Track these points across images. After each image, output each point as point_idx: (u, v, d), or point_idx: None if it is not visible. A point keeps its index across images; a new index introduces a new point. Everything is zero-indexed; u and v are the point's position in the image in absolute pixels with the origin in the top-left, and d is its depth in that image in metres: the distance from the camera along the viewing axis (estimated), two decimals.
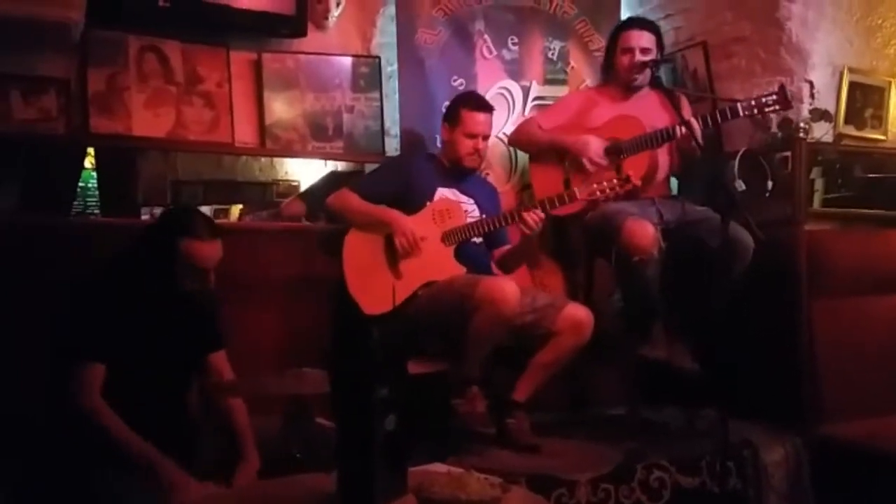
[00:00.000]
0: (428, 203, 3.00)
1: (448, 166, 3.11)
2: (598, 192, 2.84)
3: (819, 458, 3.04)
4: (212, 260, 2.21)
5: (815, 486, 3.02)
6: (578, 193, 2.86)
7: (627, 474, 2.65)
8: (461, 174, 3.11)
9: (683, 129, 2.98)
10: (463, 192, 3.10)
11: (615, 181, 2.82)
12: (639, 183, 2.87)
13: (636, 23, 3.31)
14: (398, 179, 3.05)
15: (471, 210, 3.08)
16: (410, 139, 3.52)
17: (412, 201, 2.99)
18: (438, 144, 3.50)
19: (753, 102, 3.02)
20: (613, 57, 3.26)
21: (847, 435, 3.03)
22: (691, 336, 3.05)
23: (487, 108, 3.09)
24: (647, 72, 3.18)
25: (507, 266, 3.10)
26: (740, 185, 3.30)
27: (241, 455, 2.23)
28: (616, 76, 3.28)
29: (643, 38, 3.20)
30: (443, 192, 3.05)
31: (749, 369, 3.11)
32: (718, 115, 3.06)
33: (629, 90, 3.26)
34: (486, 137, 3.09)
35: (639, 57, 3.18)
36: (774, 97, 3.00)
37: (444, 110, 3.32)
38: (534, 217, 2.81)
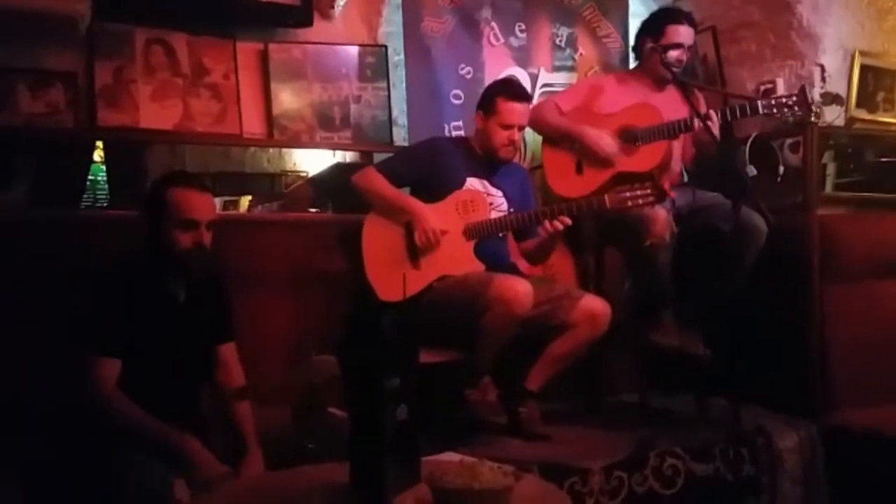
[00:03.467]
0: (454, 191, 2.92)
1: (481, 154, 3.02)
2: (628, 202, 2.76)
3: (833, 445, 3.02)
4: (200, 210, 2.19)
5: (828, 473, 3.01)
6: (608, 201, 2.77)
7: (640, 462, 2.64)
8: (493, 164, 3.02)
9: (701, 123, 2.96)
10: (493, 183, 3.01)
11: (649, 192, 2.73)
12: (673, 195, 2.79)
13: (686, 17, 3.22)
14: (427, 163, 2.96)
15: (498, 203, 2.99)
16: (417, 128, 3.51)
17: (439, 187, 2.91)
18: (447, 133, 3.49)
19: (773, 101, 2.98)
20: (652, 48, 3.17)
21: (861, 421, 3.01)
22: (703, 322, 3.03)
23: (525, 98, 2.99)
24: None
25: (533, 259, 3.05)
26: (751, 171, 3.27)
27: (244, 450, 2.24)
28: (650, 68, 3.23)
29: (691, 35, 3.17)
30: (471, 182, 2.96)
31: (761, 355, 3.10)
32: (738, 111, 3.03)
33: (661, 82, 3.23)
34: (521, 128, 2.99)
35: (684, 54, 3.15)
36: (795, 98, 2.96)
37: (452, 98, 3.31)
38: (558, 226, 2.76)
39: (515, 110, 2.93)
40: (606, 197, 2.79)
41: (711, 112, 3.03)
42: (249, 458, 2.22)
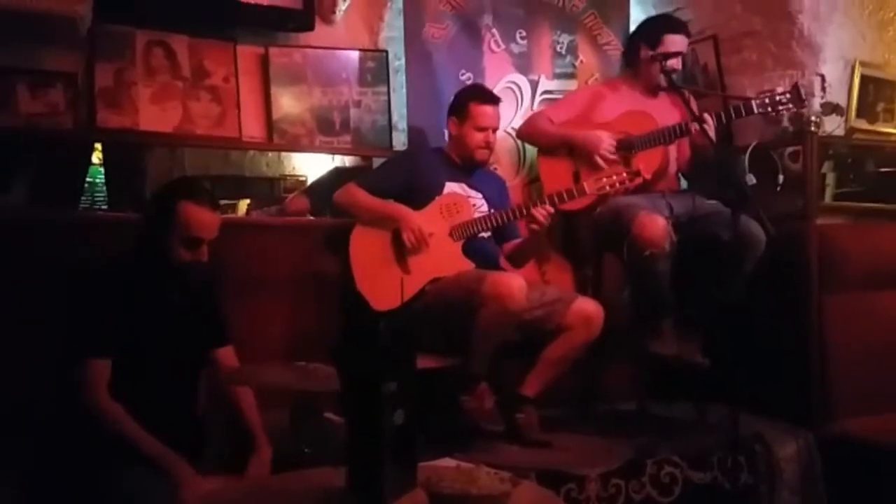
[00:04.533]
0: (436, 198, 2.98)
1: (457, 160, 3.09)
2: (607, 187, 2.83)
3: (831, 454, 3.01)
4: (208, 229, 2.19)
5: (827, 482, 3.00)
6: (588, 188, 2.84)
7: (638, 469, 2.63)
8: (470, 168, 3.09)
9: (697, 126, 2.97)
10: (471, 186, 3.08)
11: (625, 175, 2.81)
12: (648, 177, 2.85)
13: (682, 26, 3.24)
14: (406, 174, 3.03)
15: (479, 205, 3.05)
16: (418, 134, 3.50)
17: (420, 196, 2.97)
18: (447, 139, 3.49)
19: (767, 100, 3.01)
20: (647, 55, 3.19)
21: (859, 430, 3.01)
22: (701, 331, 3.03)
23: (495, 101, 3.08)
24: None
25: (516, 260, 3.09)
26: (751, 179, 3.27)
27: (253, 447, 2.23)
28: (644, 75, 3.25)
29: (685, 44, 3.20)
30: (451, 187, 3.03)
31: (760, 364, 3.10)
32: (732, 112, 3.05)
33: (655, 89, 3.25)
34: (495, 130, 3.07)
35: (679, 62, 3.19)
36: (788, 95, 3.00)
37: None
38: (542, 212, 2.80)
39: (488, 113, 3.03)
40: (585, 184, 2.85)
41: (706, 115, 3.04)
42: (259, 456, 2.22)
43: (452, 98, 3.16)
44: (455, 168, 3.09)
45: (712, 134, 3.00)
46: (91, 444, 2.07)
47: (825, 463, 3.01)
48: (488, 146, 3.05)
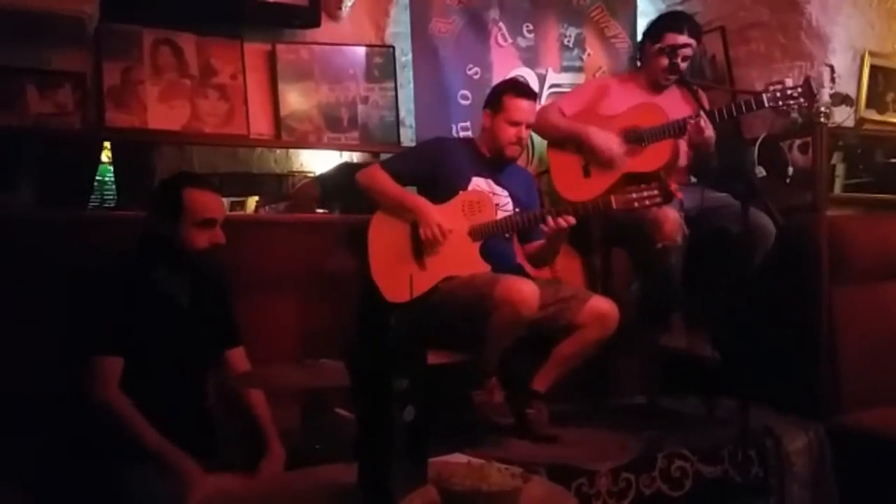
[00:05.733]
0: (460, 192, 2.92)
1: (487, 155, 3.02)
2: (635, 203, 2.73)
3: (841, 446, 3.01)
4: (217, 209, 2.25)
5: (837, 475, 2.99)
6: (614, 203, 2.75)
7: (648, 464, 2.63)
8: (499, 164, 3.02)
9: (692, 122, 2.96)
10: (498, 182, 3.01)
11: (656, 193, 2.70)
12: (680, 196, 2.77)
13: (687, 25, 3.21)
14: (433, 162, 2.96)
15: (504, 203, 2.98)
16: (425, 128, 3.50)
17: (445, 187, 2.91)
18: (455, 133, 3.48)
19: (778, 94, 2.98)
20: (651, 52, 3.21)
21: (869, 422, 3.00)
22: (711, 324, 3.02)
23: (531, 95, 3.01)
24: None
25: (536, 262, 3.04)
26: (760, 172, 3.25)
27: (265, 447, 2.24)
28: (650, 71, 3.25)
29: (688, 46, 3.17)
30: (477, 182, 2.96)
31: (769, 357, 3.09)
32: (743, 106, 3.02)
33: (660, 86, 3.24)
34: (528, 125, 3.00)
35: (681, 64, 3.16)
36: (800, 90, 2.96)
37: (460, 99, 3.30)
38: (563, 223, 2.74)
39: (522, 107, 2.94)
40: (613, 198, 2.77)
41: (701, 116, 3.00)
42: (272, 456, 2.23)
43: (489, 91, 3.11)
44: (483, 162, 3.01)
45: (708, 133, 2.97)
46: (96, 444, 2.08)
47: (835, 456, 3.01)
48: (520, 142, 2.97)
